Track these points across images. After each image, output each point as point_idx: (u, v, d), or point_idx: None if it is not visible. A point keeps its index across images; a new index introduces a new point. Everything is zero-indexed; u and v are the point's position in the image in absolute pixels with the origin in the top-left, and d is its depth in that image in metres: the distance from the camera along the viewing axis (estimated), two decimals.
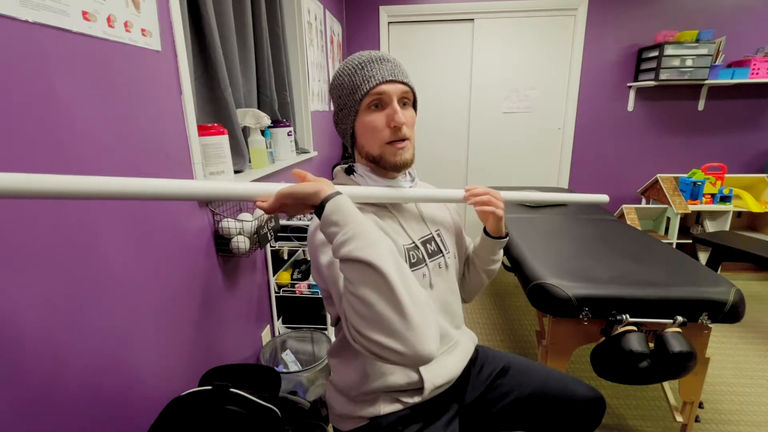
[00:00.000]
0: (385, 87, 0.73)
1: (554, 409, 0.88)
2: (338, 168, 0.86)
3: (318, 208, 0.60)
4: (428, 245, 0.83)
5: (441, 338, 0.82)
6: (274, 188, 0.63)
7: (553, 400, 0.88)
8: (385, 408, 0.77)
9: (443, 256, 0.86)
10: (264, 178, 1.73)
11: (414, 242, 0.81)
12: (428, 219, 0.88)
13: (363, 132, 0.77)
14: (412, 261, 0.79)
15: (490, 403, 0.90)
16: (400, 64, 0.78)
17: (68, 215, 0.79)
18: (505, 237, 0.93)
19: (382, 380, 0.76)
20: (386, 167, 0.78)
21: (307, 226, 1.63)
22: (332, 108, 3.02)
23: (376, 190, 0.77)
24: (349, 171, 0.83)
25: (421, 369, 0.77)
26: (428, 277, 0.81)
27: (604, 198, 1.07)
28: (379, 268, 0.53)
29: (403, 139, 0.76)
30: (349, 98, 0.75)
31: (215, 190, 0.62)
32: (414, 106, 0.80)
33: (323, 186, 0.61)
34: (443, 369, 0.81)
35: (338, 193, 0.60)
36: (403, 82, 0.75)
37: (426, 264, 0.81)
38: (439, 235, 0.88)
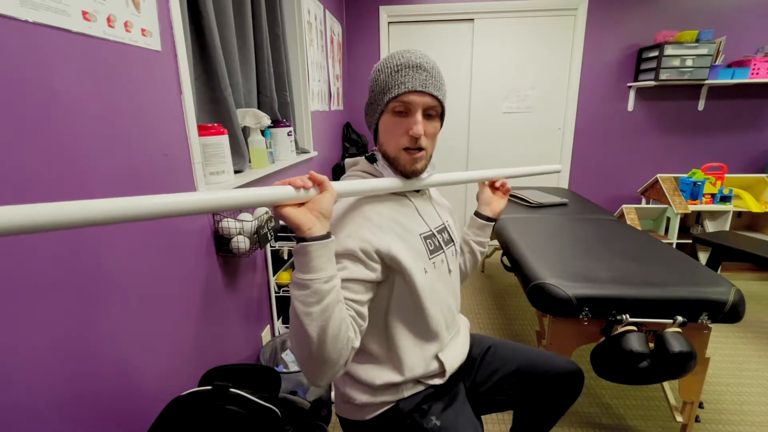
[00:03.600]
0: (412, 97, 0.75)
1: (539, 382, 0.95)
2: (359, 159, 0.90)
3: (297, 239, 0.64)
4: (443, 234, 0.89)
5: (449, 323, 0.88)
6: (277, 195, 0.62)
7: (537, 373, 0.95)
8: (409, 391, 0.82)
9: (454, 244, 0.92)
10: (264, 177, 1.73)
11: (431, 230, 0.86)
12: (440, 210, 0.94)
13: (384, 132, 0.80)
14: (431, 248, 0.83)
15: (481, 383, 0.96)
16: (437, 75, 0.78)
17: None
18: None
19: (410, 373, 0.81)
20: (398, 169, 0.81)
21: None
22: (332, 108, 3.02)
23: (381, 183, 0.79)
24: (372, 159, 0.86)
25: (440, 356, 0.83)
26: (446, 263, 0.86)
27: (557, 167, 1.14)
28: (305, 328, 0.61)
29: (420, 149, 0.78)
30: (379, 96, 0.78)
31: (232, 200, 0.59)
32: (441, 117, 0.82)
33: (305, 223, 0.62)
34: (455, 352, 0.88)
35: (315, 237, 0.62)
36: (432, 95, 0.76)
37: (444, 251, 0.86)
38: (449, 225, 0.93)
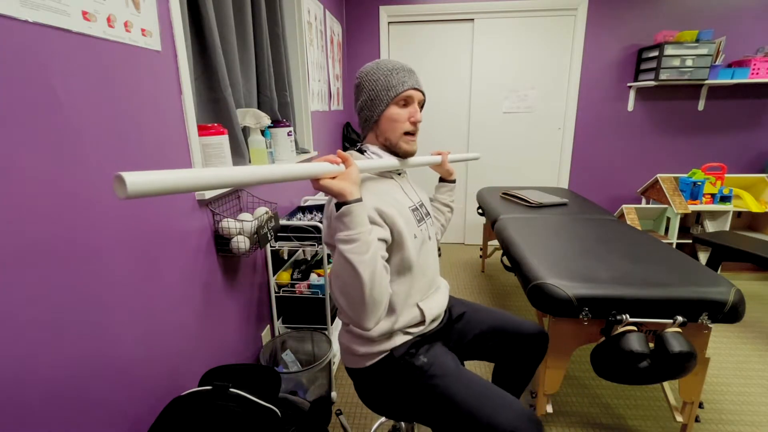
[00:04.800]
0: (412, 92, 0.97)
1: (510, 340, 1.12)
2: (351, 152, 1.04)
3: (338, 204, 0.78)
4: (422, 208, 1.07)
5: (431, 281, 1.05)
6: (319, 169, 0.76)
7: (509, 333, 1.12)
8: (399, 340, 0.98)
9: (430, 217, 1.11)
10: None
11: (414, 204, 1.03)
12: (417, 189, 1.12)
13: (388, 121, 0.98)
14: (417, 218, 1.00)
15: (462, 336, 1.14)
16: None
17: (69, 215, 0.79)
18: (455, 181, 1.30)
19: (398, 323, 0.97)
20: (398, 153, 1.01)
21: (307, 227, 1.63)
22: (332, 108, 3.00)
23: (384, 161, 0.98)
24: (361, 152, 1.03)
25: (420, 305, 1.00)
26: (427, 231, 1.04)
27: (476, 155, 1.42)
28: (360, 274, 0.75)
29: (415, 133, 1.00)
30: (383, 93, 0.96)
31: (280, 173, 0.68)
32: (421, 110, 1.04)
33: (347, 189, 0.77)
34: (434, 304, 1.04)
35: (356, 200, 0.77)
36: (422, 92, 1.00)
37: (425, 221, 1.04)
38: (424, 202, 1.11)
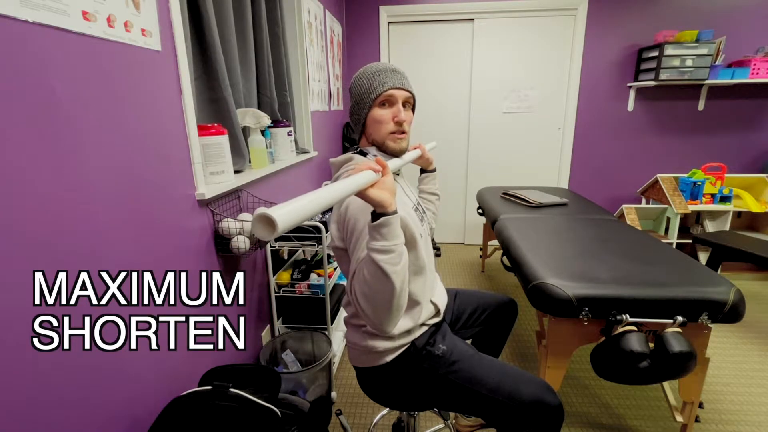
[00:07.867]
0: (393, 91, 0.97)
1: (493, 311, 1.29)
2: (352, 155, 1.02)
3: (375, 214, 0.75)
4: (420, 207, 1.10)
5: (434, 275, 1.11)
6: (367, 179, 0.72)
7: (491, 305, 1.29)
8: (418, 332, 1.02)
9: (425, 214, 1.13)
10: (264, 177, 1.73)
11: (414, 204, 1.06)
12: (412, 188, 1.16)
13: (372, 123, 0.99)
14: (419, 218, 1.02)
15: (458, 319, 1.25)
16: (407, 76, 1.02)
17: (69, 215, 0.79)
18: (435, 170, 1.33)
19: (420, 320, 1.01)
20: (387, 152, 1.01)
21: (307, 227, 1.63)
22: (332, 108, 3.01)
23: (394, 162, 0.97)
24: (362, 154, 1.03)
25: (433, 299, 1.05)
26: (426, 229, 1.07)
27: (432, 144, 1.42)
28: (393, 283, 0.75)
29: (403, 132, 0.99)
30: (365, 96, 0.98)
31: (337, 193, 0.63)
32: (413, 109, 1.04)
33: (387, 200, 0.74)
34: (442, 294, 1.12)
35: (394, 212, 0.75)
36: (407, 90, 0.99)
37: (424, 219, 1.08)
38: (418, 199, 1.15)
